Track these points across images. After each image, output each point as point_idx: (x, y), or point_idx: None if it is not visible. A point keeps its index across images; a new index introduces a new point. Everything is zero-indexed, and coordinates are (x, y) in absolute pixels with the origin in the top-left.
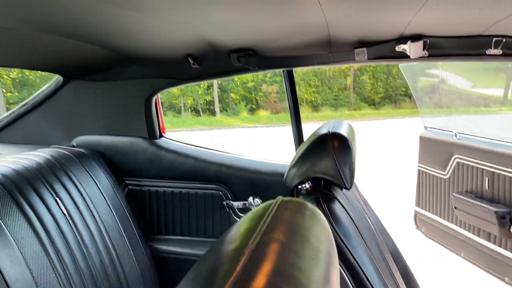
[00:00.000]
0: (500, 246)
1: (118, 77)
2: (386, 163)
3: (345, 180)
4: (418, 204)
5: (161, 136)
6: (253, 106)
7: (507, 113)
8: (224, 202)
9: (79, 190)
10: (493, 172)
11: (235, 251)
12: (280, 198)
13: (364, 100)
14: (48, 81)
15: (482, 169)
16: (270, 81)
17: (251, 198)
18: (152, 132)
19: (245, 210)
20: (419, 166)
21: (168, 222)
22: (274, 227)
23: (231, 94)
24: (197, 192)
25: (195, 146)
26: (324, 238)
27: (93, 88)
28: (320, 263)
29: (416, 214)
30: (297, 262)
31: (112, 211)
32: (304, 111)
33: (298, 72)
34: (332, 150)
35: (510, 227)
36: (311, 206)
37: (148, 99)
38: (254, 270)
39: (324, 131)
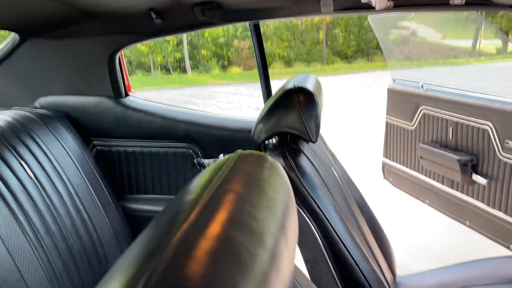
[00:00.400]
0: (462, 192)
1: (79, 34)
2: (357, 117)
3: (310, 133)
4: (386, 155)
5: (127, 94)
6: (225, 62)
7: (475, 64)
8: (195, 160)
9: (44, 153)
10: (457, 122)
11: (191, 201)
12: (239, 151)
13: (337, 54)
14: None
15: (447, 120)
16: (241, 36)
17: (221, 155)
18: (117, 91)
19: None
20: (387, 118)
21: (139, 181)
22: (232, 178)
23: (202, 51)
24: (167, 151)
25: (162, 104)
26: (282, 190)
27: (52, 46)
28: (276, 213)
29: (384, 165)
30: (253, 211)
31: (80, 173)
32: (276, 67)
33: (270, 26)
34: (297, 104)
35: (471, 174)
36: (271, 159)
37: (111, 56)
38: (208, 219)
39: (290, 85)
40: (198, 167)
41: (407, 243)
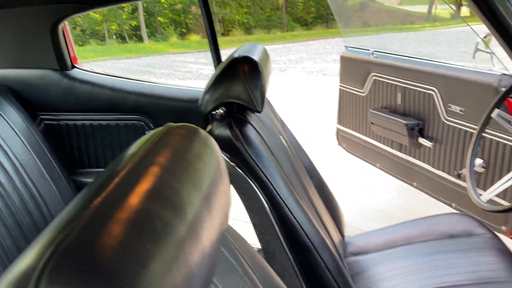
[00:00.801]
0: (409, 155)
1: (18, 3)
2: (316, 86)
3: (256, 103)
4: (339, 122)
5: (73, 67)
6: (183, 30)
7: (430, 29)
8: (146, 132)
9: None
10: (405, 88)
11: (113, 173)
12: (169, 124)
13: (297, 21)
14: None
15: (396, 85)
16: None
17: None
18: (62, 63)
19: None
20: (340, 85)
21: (91, 155)
22: (157, 151)
23: (159, 18)
24: (118, 124)
25: (111, 76)
26: (211, 163)
27: None
28: (201, 186)
29: (337, 131)
30: (174, 184)
31: (28, 148)
32: (236, 34)
33: None
34: (243, 74)
35: (418, 137)
36: (203, 132)
37: (54, 27)
38: (126, 190)
39: (235, 55)
40: None
41: (360, 205)
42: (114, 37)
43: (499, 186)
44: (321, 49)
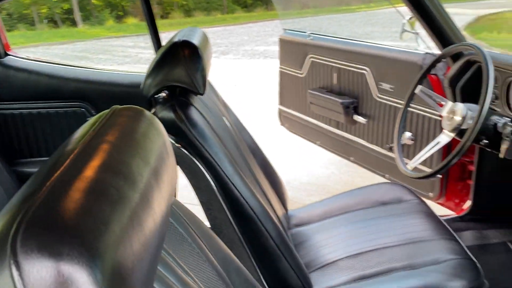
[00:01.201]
0: (346, 132)
1: None
2: (258, 69)
3: (197, 86)
4: (281, 103)
5: (6, 54)
6: (120, 13)
7: (365, 10)
8: (88, 119)
9: None
10: (339, 68)
11: (66, 152)
12: (115, 106)
13: (237, 3)
14: None
15: (331, 66)
16: None
17: None
18: None
19: None
20: (280, 67)
21: (31, 144)
22: (106, 131)
23: (93, 1)
24: (57, 111)
25: (48, 62)
26: (157, 141)
27: None
28: (149, 161)
29: (279, 112)
30: (124, 158)
31: None
32: (175, 17)
33: None
34: (183, 58)
35: (353, 115)
36: (148, 113)
37: None
38: (81, 165)
39: (175, 40)
40: None
41: (302, 181)
42: (45, 21)
43: (422, 155)
44: (262, 32)
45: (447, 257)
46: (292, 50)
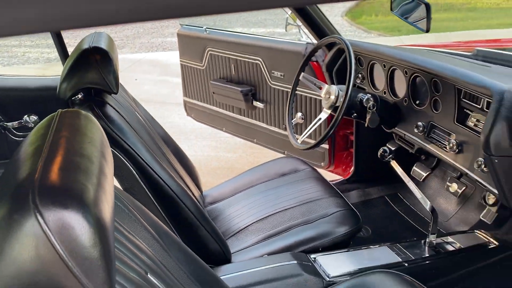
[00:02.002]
0: (247, 117)
1: None
2: (160, 61)
3: (111, 86)
4: (185, 94)
5: None
6: None
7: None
8: (4, 125)
9: None
10: (236, 59)
11: (37, 148)
12: (60, 110)
13: None
14: None
15: (229, 58)
16: None
17: (26, 116)
18: None
19: (22, 128)
20: (181, 61)
21: None
22: (61, 129)
23: None
24: None
25: None
26: (96, 131)
27: None
28: (96, 145)
29: (185, 103)
30: (81, 145)
31: None
32: None
33: None
34: (95, 62)
35: (252, 101)
36: (84, 112)
37: None
38: (57, 153)
39: (85, 45)
40: (3, 131)
41: (211, 166)
42: None
43: (308, 130)
44: (157, 24)
45: (334, 210)
46: (190, 44)
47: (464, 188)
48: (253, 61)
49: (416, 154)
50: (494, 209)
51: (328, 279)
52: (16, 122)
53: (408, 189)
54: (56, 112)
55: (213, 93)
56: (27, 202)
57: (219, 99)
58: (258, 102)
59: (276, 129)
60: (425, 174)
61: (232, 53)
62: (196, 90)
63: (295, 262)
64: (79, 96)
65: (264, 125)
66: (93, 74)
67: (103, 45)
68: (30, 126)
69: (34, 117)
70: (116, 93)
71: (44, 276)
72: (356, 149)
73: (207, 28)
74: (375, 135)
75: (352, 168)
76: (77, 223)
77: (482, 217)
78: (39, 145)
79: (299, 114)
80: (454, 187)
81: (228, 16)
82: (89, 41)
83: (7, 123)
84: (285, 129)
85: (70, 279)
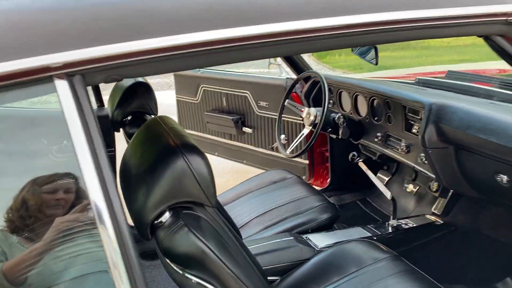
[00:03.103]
0: (238, 141)
1: None
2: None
3: (153, 110)
4: (181, 125)
5: None
6: None
7: None
8: None
9: None
10: (227, 93)
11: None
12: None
13: None
14: None
15: (220, 92)
16: None
17: None
18: None
19: None
20: (177, 97)
21: None
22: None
23: None
24: None
25: None
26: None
27: None
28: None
29: None
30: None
31: None
32: None
33: None
34: (141, 93)
35: (242, 127)
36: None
37: None
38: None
39: (131, 81)
40: None
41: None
42: None
43: (294, 143)
44: None
45: (317, 204)
46: (186, 82)
47: (418, 187)
48: (242, 94)
49: (378, 160)
50: (441, 200)
51: (317, 248)
52: None
53: (375, 194)
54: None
55: (207, 122)
56: (178, 151)
57: (212, 127)
58: (247, 128)
59: (263, 150)
60: (387, 179)
61: (223, 88)
62: (190, 121)
63: (292, 238)
64: (129, 118)
65: (252, 147)
66: (140, 100)
67: (143, 80)
68: None
69: None
70: (156, 114)
71: (187, 184)
72: (331, 163)
73: (201, 69)
74: (345, 150)
75: (329, 179)
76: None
77: (433, 209)
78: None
79: (283, 136)
80: (410, 187)
81: None
82: (131, 79)
83: None
84: (271, 149)
85: (197, 187)
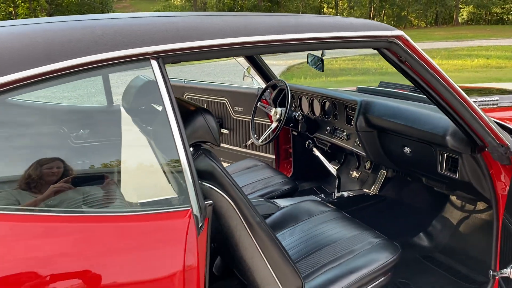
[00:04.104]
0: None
1: None
2: None
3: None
4: None
5: None
6: None
7: (223, 61)
8: None
9: None
10: (208, 101)
11: None
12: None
13: None
14: None
15: (202, 100)
16: None
17: None
18: None
19: None
20: None
21: None
22: None
23: None
24: None
25: None
26: None
27: None
28: None
29: None
30: None
31: None
32: None
33: None
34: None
35: (220, 129)
36: None
37: None
38: None
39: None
40: None
41: None
42: None
43: (264, 134)
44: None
45: (281, 180)
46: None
47: (359, 173)
48: (220, 101)
49: (328, 151)
50: (377, 183)
51: (280, 207)
52: None
53: (328, 182)
54: None
55: None
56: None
57: None
58: (224, 129)
59: (238, 148)
60: (336, 168)
61: (205, 96)
62: None
63: (262, 199)
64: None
65: (229, 146)
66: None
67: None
68: None
69: None
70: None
71: (203, 131)
72: (293, 157)
73: (185, 79)
74: (303, 146)
75: (291, 171)
76: None
77: (371, 190)
78: None
79: (255, 134)
80: (354, 173)
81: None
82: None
83: None
84: (245, 147)
85: (209, 133)
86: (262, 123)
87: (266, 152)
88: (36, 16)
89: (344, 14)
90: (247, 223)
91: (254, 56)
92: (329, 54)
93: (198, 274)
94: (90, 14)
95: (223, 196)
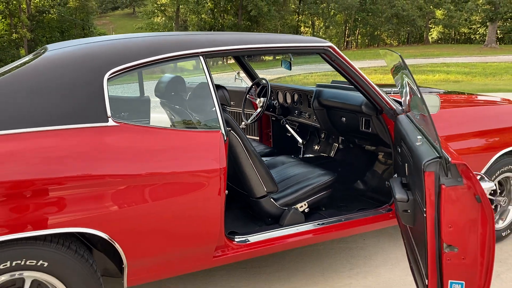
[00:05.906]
0: None
1: None
2: None
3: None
4: None
5: None
6: None
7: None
8: None
9: None
10: None
11: None
12: None
13: None
14: None
15: None
16: None
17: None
18: None
19: None
20: None
21: None
22: None
23: None
24: None
25: None
26: None
27: None
28: None
29: None
30: None
31: None
32: None
33: None
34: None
35: None
36: None
37: None
38: None
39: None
40: None
41: None
42: None
43: (252, 117)
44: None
45: (263, 147)
46: None
47: (319, 147)
48: None
49: (297, 130)
50: (332, 151)
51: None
52: None
53: (296, 154)
54: None
55: None
56: None
57: None
58: None
59: None
60: (304, 142)
61: None
62: None
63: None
64: None
65: None
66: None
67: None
68: None
69: None
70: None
71: (222, 98)
72: (272, 138)
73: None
74: (280, 129)
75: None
76: None
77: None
78: None
79: (244, 119)
80: (316, 147)
81: None
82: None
83: None
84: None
85: (227, 99)
86: (250, 113)
87: (252, 135)
88: (16, 32)
89: (320, 33)
90: (246, 150)
91: (243, 61)
92: (307, 70)
93: (225, 167)
94: (70, 29)
95: (233, 133)
